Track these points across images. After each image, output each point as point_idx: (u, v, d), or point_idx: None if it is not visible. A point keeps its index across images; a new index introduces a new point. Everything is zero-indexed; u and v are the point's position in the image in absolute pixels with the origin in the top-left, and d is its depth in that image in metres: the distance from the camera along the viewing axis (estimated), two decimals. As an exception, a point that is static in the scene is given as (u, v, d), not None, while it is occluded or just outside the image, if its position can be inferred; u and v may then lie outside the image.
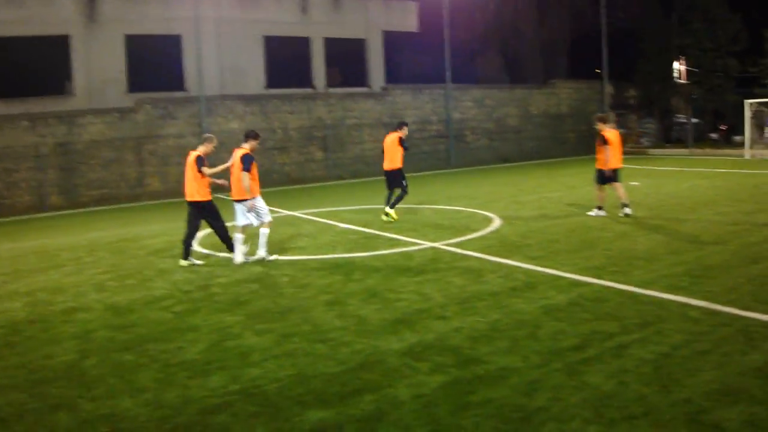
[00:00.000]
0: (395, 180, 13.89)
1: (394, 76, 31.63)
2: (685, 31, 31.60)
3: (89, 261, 11.42)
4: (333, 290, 8.27)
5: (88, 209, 21.83)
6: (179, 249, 10.81)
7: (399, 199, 13.78)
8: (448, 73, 29.51)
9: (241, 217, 10.39)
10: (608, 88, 34.57)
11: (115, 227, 16.09)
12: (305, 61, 30.28)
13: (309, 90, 28.78)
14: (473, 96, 31.17)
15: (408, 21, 32.75)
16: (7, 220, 19.94)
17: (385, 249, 10.80)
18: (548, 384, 4.97)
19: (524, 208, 14.55)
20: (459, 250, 10.27)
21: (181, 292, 8.66)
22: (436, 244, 10.87)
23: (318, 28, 30.27)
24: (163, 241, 13.03)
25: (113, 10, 26.09)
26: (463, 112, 30.52)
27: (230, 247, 10.57)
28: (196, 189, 10.53)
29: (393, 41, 32.18)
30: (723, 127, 32.61)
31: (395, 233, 12.19)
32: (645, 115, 35.40)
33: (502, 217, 13.45)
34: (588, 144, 33.95)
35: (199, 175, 10.39)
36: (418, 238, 11.51)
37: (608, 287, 7.55)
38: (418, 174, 25.57)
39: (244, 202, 10.25)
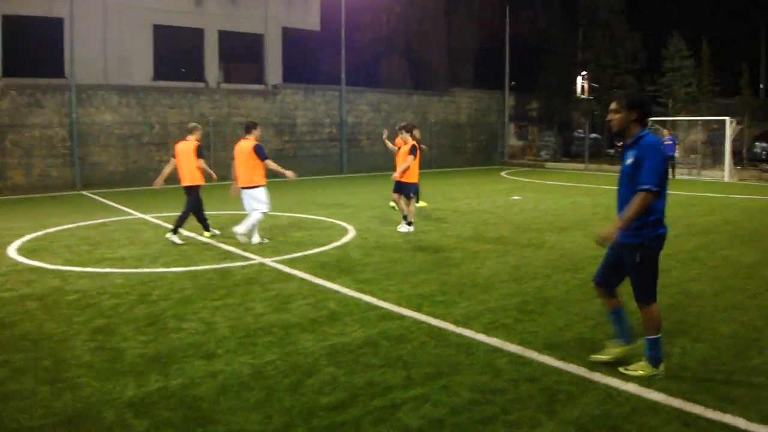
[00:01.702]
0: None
1: (292, 75, 30.31)
2: (586, 46, 31.64)
3: None
4: (114, 314, 7.01)
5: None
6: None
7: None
8: (342, 75, 28.41)
9: (248, 204, 11.07)
10: (510, 99, 34.25)
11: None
12: (197, 54, 28.62)
13: (191, 84, 27.08)
14: (369, 100, 30.18)
15: (310, 18, 31.48)
16: None
17: (209, 263, 9.59)
18: (273, 463, 3.85)
19: (388, 221, 13.54)
20: (286, 269, 9.13)
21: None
22: (266, 260, 9.70)
23: (213, 20, 28.63)
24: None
25: (-13, -11, 23.78)
26: (358, 116, 29.51)
27: (174, 230, 11.36)
28: (193, 175, 11.49)
29: (293, 39, 30.87)
30: (619, 144, 32.73)
31: (234, 245, 10.95)
32: (545, 128, 35.26)
33: (359, 230, 12.42)
34: (487, 154, 33.71)
35: (197, 161, 11.36)
36: (253, 252, 10.32)
37: (420, 322, 6.51)
38: (308, 178, 24.42)
39: (252, 189, 10.91)
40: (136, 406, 4.67)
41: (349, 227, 12.69)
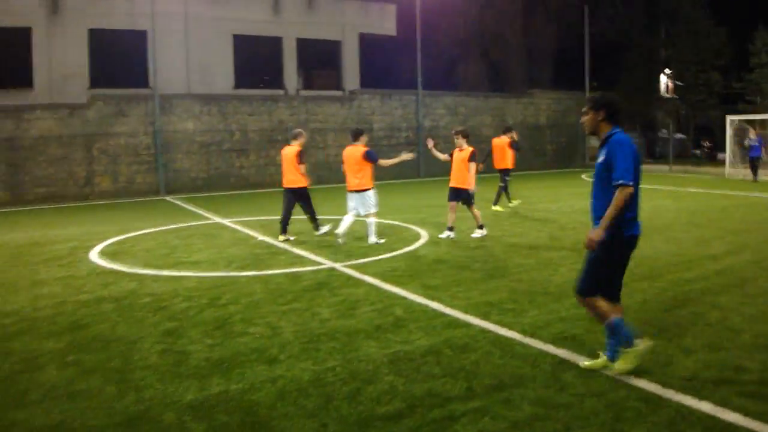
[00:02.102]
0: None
1: (370, 80, 30.46)
2: (669, 43, 30.51)
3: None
4: (184, 317, 7.14)
5: (32, 207, 20.71)
6: (79, 257, 10.78)
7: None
8: (419, 79, 28.32)
9: (360, 206, 11.56)
10: (590, 100, 33.37)
11: (38, 228, 15.09)
12: (276, 62, 29.15)
13: (270, 91, 27.55)
14: (446, 103, 29.97)
15: (386, 24, 31.58)
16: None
17: (280, 268, 9.67)
18: (325, 473, 3.79)
19: (462, 225, 13.34)
20: (356, 274, 9.10)
21: (31, 309, 7.72)
22: (336, 265, 9.71)
23: (291, 28, 29.11)
24: (68, 248, 11.95)
25: (77, 3, 24.94)
26: (435, 119, 29.34)
27: (316, 228, 12.54)
28: (295, 177, 12.18)
29: (369, 44, 31.04)
30: (707, 144, 31.44)
31: (304, 250, 11.05)
32: (628, 129, 34.12)
33: (432, 234, 12.29)
34: (568, 157, 32.93)
35: (299, 166, 12.03)
36: (324, 257, 10.36)
37: (487, 331, 6.34)
38: (384, 182, 24.41)
39: (363, 192, 11.45)
40: (195, 409, 4.71)
41: (423, 232, 12.59)
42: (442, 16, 32.58)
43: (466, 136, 12.03)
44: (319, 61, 30.66)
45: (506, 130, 17.09)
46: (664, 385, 4.88)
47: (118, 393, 5.03)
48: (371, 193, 11.49)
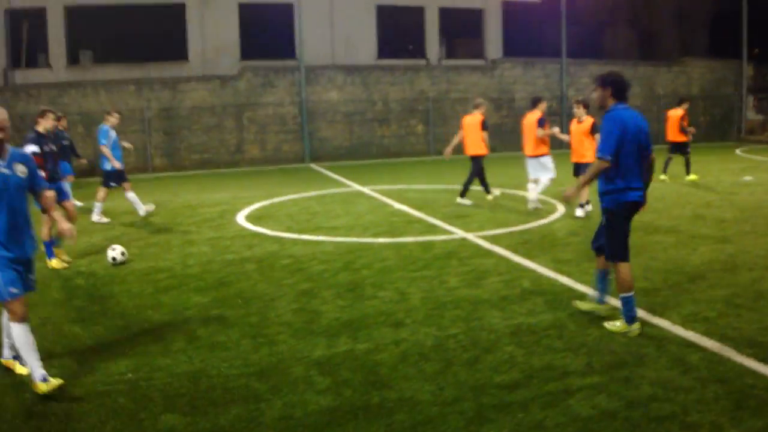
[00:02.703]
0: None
1: (513, 48, 29.88)
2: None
3: (137, 226, 11.66)
4: (319, 279, 7.58)
5: (187, 172, 22.27)
6: (227, 219, 11.79)
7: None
8: (563, 47, 27.46)
9: (532, 171, 12.06)
10: (748, 70, 30.96)
11: (192, 192, 16.32)
12: (418, 32, 29.25)
13: (412, 61, 27.73)
14: (591, 72, 28.75)
15: (531, -10, 30.75)
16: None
17: (413, 236, 9.93)
18: (438, 428, 3.98)
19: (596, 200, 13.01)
20: (486, 244, 9.18)
21: (181, 266, 8.46)
22: (468, 235, 9.82)
23: (433, -2, 29.05)
24: (218, 211, 12.87)
25: (228, -21, 26.19)
26: (580, 89, 28.33)
27: (462, 194, 12.95)
28: (476, 145, 12.70)
29: (513, 12, 30.40)
30: None
31: (439, 219, 11.24)
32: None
33: (569, 208, 12.08)
34: (722, 130, 30.90)
35: (482, 133, 12.54)
36: (458, 227, 10.50)
37: (614, 308, 6.25)
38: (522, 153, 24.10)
39: (541, 158, 11.88)
40: (322, 365, 5.04)
41: (559, 205, 12.39)
42: (591, -20, 31.28)
43: (587, 106, 11.21)
44: (462, 30, 30.43)
45: (681, 101, 17.18)
46: (796, 374, 4.67)
47: (253, 346, 5.46)
48: (548, 159, 11.89)
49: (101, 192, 12.08)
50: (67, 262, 8.63)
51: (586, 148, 11.08)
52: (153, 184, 18.73)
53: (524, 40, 30.26)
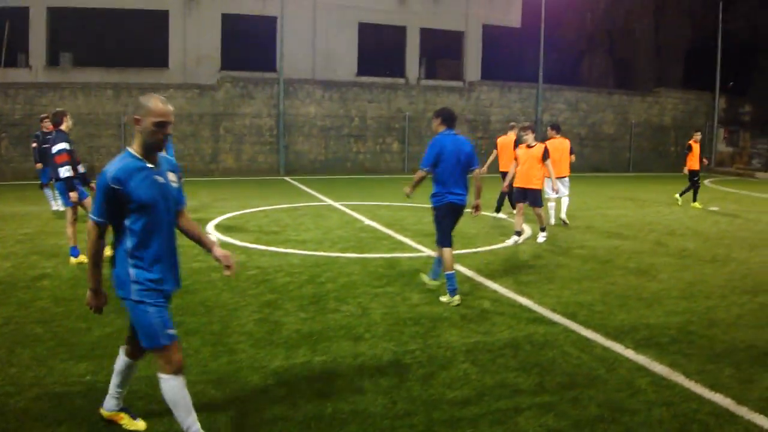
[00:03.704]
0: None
1: (491, 72, 30.35)
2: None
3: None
4: (283, 291, 7.63)
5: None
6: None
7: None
8: (540, 72, 27.90)
9: (564, 189, 13.23)
10: (720, 102, 31.66)
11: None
12: (399, 51, 29.59)
13: (391, 80, 28.02)
14: (566, 98, 29.40)
15: (511, 15, 31.33)
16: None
17: (380, 252, 10.03)
18: (388, 446, 4.08)
19: (573, 223, 13.27)
20: (451, 264, 9.29)
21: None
22: (434, 253, 9.92)
23: (415, 18, 29.46)
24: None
25: (212, -11, 26.35)
26: (554, 114, 28.83)
27: (497, 209, 14.27)
28: (510, 164, 12.78)
29: (493, 36, 30.88)
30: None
31: (408, 237, 11.36)
32: (759, 134, 32.15)
33: (535, 231, 12.27)
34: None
35: (515, 152, 12.07)
36: (425, 245, 10.63)
37: (570, 331, 6.39)
38: (497, 175, 24.38)
39: (566, 178, 13.30)
40: (279, 375, 5.10)
41: (527, 227, 12.56)
42: (569, 8, 31.88)
43: (534, 131, 11.45)
44: (442, 51, 30.86)
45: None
46: (739, 402, 4.80)
47: (213, 354, 5.51)
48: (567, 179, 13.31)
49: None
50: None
51: (534, 174, 11.19)
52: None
53: (502, 64, 30.78)
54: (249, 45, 27.05)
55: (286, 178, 23.19)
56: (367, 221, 13.08)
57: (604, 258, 10.06)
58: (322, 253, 9.90)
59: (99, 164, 22.89)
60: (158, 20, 26.06)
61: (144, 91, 23.39)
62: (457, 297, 7.19)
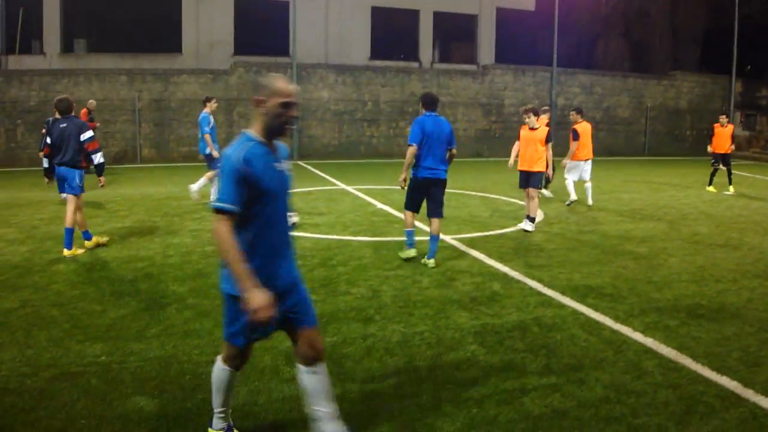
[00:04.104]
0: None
1: (505, 55, 30.19)
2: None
3: (122, 215, 11.83)
4: (295, 276, 7.67)
5: (175, 164, 22.36)
6: (210, 212, 11.36)
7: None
8: (554, 55, 27.72)
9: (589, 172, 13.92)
10: (737, 86, 31.32)
11: (178, 183, 16.46)
12: (412, 35, 29.48)
13: (404, 63, 27.95)
14: (581, 82, 29.19)
15: (524, -2, 31.08)
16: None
17: (392, 236, 10.09)
18: (395, 419, 4.14)
19: (578, 208, 13.26)
20: (463, 247, 9.36)
21: (162, 256, 8.63)
22: (446, 237, 9.97)
23: (428, 1, 29.31)
24: (203, 204, 12.93)
25: (225, -26, 26.36)
26: (569, 98, 28.66)
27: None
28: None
29: (507, 19, 30.68)
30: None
31: (418, 221, 11.33)
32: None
33: (548, 215, 12.31)
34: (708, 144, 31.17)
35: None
36: (436, 229, 10.64)
37: (579, 313, 6.43)
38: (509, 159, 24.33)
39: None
40: (290, 355, 5.14)
41: (540, 211, 12.54)
42: (585, -10, 31.61)
43: (537, 114, 10.97)
44: (455, 34, 30.71)
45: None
46: (746, 384, 4.82)
47: (226, 336, 5.61)
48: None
49: (211, 172, 12.60)
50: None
51: (538, 157, 10.80)
52: (140, 175, 18.83)
53: (516, 48, 30.59)
54: (262, 30, 27.05)
55: (300, 163, 23.26)
56: (380, 205, 13.13)
57: (616, 242, 10.06)
58: (334, 237, 9.98)
59: (115, 149, 23.11)
60: (171, 6, 26.13)
61: (158, 76, 23.52)
62: (413, 251, 8.49)
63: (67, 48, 25.63)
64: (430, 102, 8.40)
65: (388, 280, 7.51)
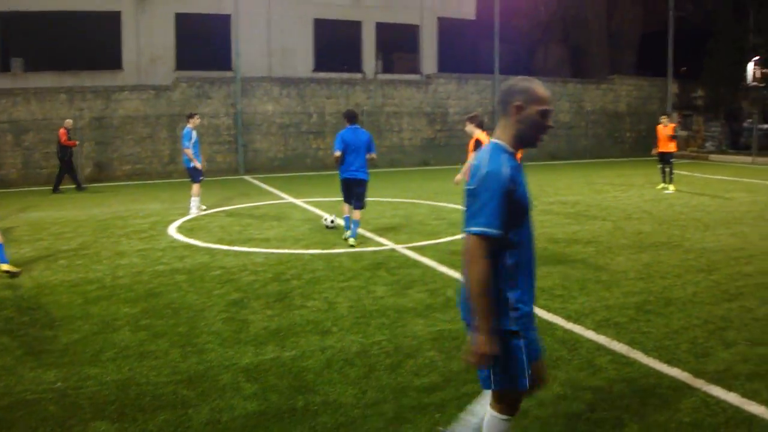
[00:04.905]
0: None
1: (448, 64, 30.52)
2: (757, 30, 29.27)
3: (67, 237, 11.48)
4: (249, 290, 7.65)
5: (119, 183, 21.93)
6: (158, 231, 11.85)
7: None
8: (496, 63, 28.20)
9: None
10: (673, 87, 32.37)
11: (123, 203, 16.21)
12: (355, 46, 29.59)
13: (348, 75, 28.06)
14: (522, 89, 29.70)
15: (464, 8, 31.48)
16: (43, 188, 20.23)
17: (345, 247, 10.10)
18: (360, 428, 4.17)
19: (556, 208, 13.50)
20: (415, 255, 9.43)
21: (111, 277, 8.43)
22: (398, 247, 10.07)
23: (370, 13, 29.48)
24: (150, 222, 12.79)
25: (165, -12, 26.07)
26: (512, 105, 29.13)
27: None
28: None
29: (448, 28, 31.06)
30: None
31: (370, 231, 11.43)
32: (712, 118, 32.97)
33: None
34: (647, 145, 32.15)
35: None
36: (388, 238, 10.74)
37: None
38: (455, 167, 24.59)
39: None
40: (249, 371, 5.16)
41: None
42: (523, -1, 32.27)
43: (478, 122, 10.34)
44: (398, 44, 30.89)
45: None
46: (696, 375, 5.01)
47: (182, 354, 5.55)
48: None
49: (195, 188, 13.82)
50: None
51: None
52: (83, 195, 18.42)
53: (459, 56, 30.97)
54: (204, 44, 26.76)
55: (246, 177, 23.09)
56: (330, 217, 13.11)
57: (564, 244, 10.28)
58: (286, 251, 9.95)
59: (55, 171, 22.53)
60: (110, 21, 25.65)
61: (98, 93, 23.07)
62: (353, 240, 10.24)
63: (3, 67, 24.90)
64: (350, 117, 10.37)
65: (343, 292, 7.53)
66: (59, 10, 24.76)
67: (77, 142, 20.63)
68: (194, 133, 13.79)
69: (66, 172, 19.76)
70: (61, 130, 19.61)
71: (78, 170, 21.25)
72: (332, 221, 11.74)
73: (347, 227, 10.63)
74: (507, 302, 3.02)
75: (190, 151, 13.71)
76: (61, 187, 19.34)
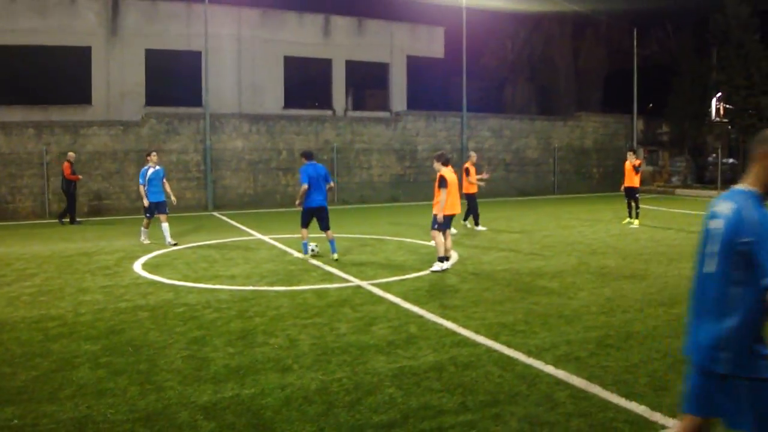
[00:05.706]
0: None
1: (418, 101, 30.93)
2: (719, 67, 30.18)
3: (30, 273, 11.34)
4: (211, 327, 7.59)
5: (86, 219, 21.67)
6: (123, 267, 11.70)
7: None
8: (464, 101, 28.62)
9: None
10: (638, 124, 33.09)
11: (89, 239, 15.99)
12: (325, 83, 29.86)
13: (318, 112, 28.28)
14: (490, 125, 30.18)
15: (434, 46, 32.06)
16: (9, 224, 19.96)
17: (309, 284, 10.08)
18: (315, 473, 4.14)
19: (493, 247, 13.61)
20: (380, 292, 9.44)
21: (73, 314, 8.31)
22: (363, 283, 10.07)
23: (340, 50, 29.84)
24: (115, 259, 12.64)
25: (135, 25, 26.20)
26: (480, 141, 29.55)
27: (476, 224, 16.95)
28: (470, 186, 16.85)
29: (417, 66, 31.53)
30: None
31: (336, 268, 11.44)
32: (677, 153, 33.71)
33: (462, 256, 12.57)
34: (614, 180, 32.70)
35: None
36: (353, 275, 10.74)
37: (492, 351, 6.59)
38: (425, 203, 24.74)
39: None
40: (208, 410, 5.11)
41: (453, 253, 12.82)
42: (490, 38, 32.90)
43: (444, 162, 11.44)
44: (368, 82, 31.29)
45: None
46: (653, 408, 5.07)
47: (140, 392, 5.47)
48: None
49: (145, 221, 14.92)
50: None
51: (435, 201, 11.18)
52: (49, 231, 18.18)
53: (428, 94, 31.42)
54: (174, 80, 26.84)
55: (215, 214, 22.99)
56: (297, 254, 13.11)
57: (528, 278, 10.37)
58: (250, 288, 9.90)
59: (21, 205, 22.26)
60: (80, 56, 25.64)
61: (67, 128, 22.93)
62: (308, 255, 12.40)
63: (-30, 102, 24.72)
64: (308, 155, 12.34)
65: (305, 329, 7.51)
66: (29, 44, 24.74)
67: (80, 177, 20.66)
68: (151, 171, 14.52)
69: (74, 203, 20.04)
70: (65, 164, 19.86)
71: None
72: (314, 248, 12.66)
73: (306, 252, 12.43)
74: (755, 350, 3.13)
75: (142, 189, 14.60)
76: (78, 219, 20.30)
